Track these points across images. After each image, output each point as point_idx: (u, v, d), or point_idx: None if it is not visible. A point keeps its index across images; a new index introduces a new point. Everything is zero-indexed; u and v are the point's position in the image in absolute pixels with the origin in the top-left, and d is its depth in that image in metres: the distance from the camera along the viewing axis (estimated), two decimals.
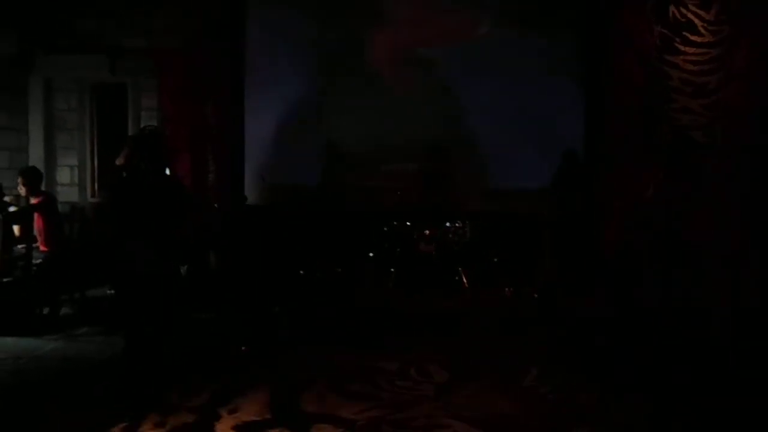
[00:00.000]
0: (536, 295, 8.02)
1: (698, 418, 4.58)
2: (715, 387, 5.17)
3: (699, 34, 7.23)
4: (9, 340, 6.49)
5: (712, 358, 5.79)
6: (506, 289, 8.31)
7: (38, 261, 7.18)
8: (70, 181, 10.02)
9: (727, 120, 7.05)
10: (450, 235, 8.62)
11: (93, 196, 10.08)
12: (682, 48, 7.37)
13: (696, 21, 7.22)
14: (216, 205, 9.22)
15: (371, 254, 8.84)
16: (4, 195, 7.48)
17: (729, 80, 7.05)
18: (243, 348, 6.20)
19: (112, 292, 7.80)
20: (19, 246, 7.18)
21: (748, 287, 6.72)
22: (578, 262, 8.09)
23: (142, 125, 9.08)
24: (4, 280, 6.99)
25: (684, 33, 7.33)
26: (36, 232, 7.28)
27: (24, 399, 5.02)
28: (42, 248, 7.26)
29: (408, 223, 8.69)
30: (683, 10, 7.30)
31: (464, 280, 8.38)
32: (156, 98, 9.82)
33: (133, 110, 9.99)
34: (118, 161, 5.14)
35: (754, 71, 6.92)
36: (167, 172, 5.39)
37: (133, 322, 5.08)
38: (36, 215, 7.26)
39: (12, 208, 7.48)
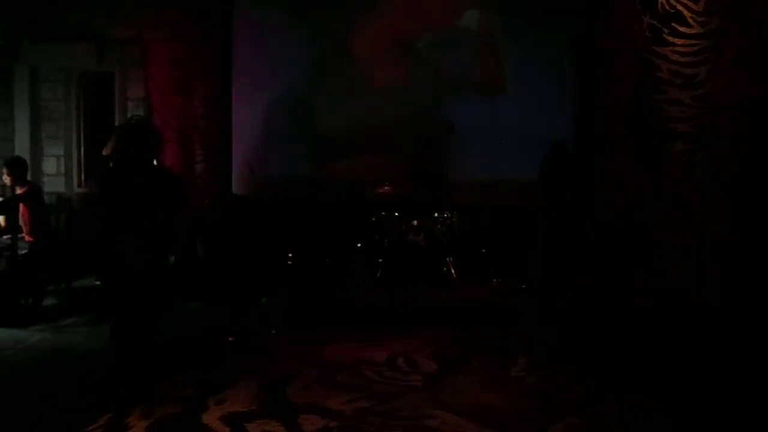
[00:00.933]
0: (524, 286, 8.02)
1: (688, 408, 4.59)
2: (705, 378, 5.18)
3: (688, 25, 7.21)
4: None
5: (701, 350, 5.81)
6: (494, 280, 8.31)
7: (24, 252, 7.13)
8: (57, 171, 9.95)
9: (716, 112, 7.05)
10: (438, 226, 8.62)
11: (80, 186, 10.01)
12: (671, 39, 7.36)
13: (685, 12, 7.21)
14: (206, 201, 9.19)
15: (359, 245, 8.81)
16: None
17: (718, 72, 7.05)
18: (230, 338, 6.18)
19: (99, 283, 7.77)
20: (4, 237, 7.14)
21: (736, 279, 6.74)
22: (567, 254, 8.09)
23: (129, 115, 9.02)
24: None
25: (673, 24, 7.32)
26: (21, 222, 7.23)
27: (8, 390, 4.99)
28: (27, 239, 7.20)
29: (396, 214, 8.67)
30: (672, 1, 7.28)
31: (452, 271, 8.38)
32: (143, 88, 9.76)
33: (120, 100, 9.92)
34: (105, 151, 5.11)
35: (742, 63, 6.92)
36: (155, 162, 5.36)
37: (120, 314, 5.06)
38: (21, 206, 7.20)
39: None
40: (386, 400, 4.74)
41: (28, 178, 7.59)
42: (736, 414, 4.54)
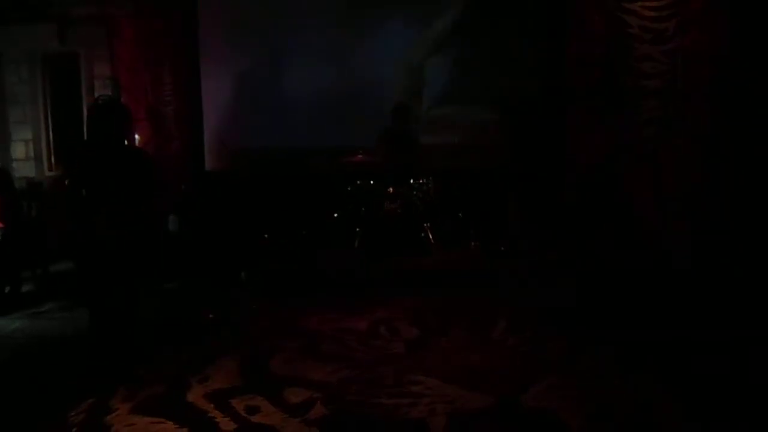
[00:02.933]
0: (503, 248, 8.04)
1: (664, 365, 4.64)
2: (679, 332, 5.24)
3: None
4: None
5: (676, 304, 5.87)
6: (472, 243, 8.32)
7: None
8: (26, 155, 9.81)
9: (687, 66, 7.06)
10: (414, 193, 8.58)
11: (50, 170, 9.89)
12: None
13: None
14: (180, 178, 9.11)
15: (336, 215, 8.78)
16: None
17: (687, 25, 7.05)
18: (210, 315, 6.15)
19: (75, 265, 7.71)
20: None
21: (708, 230, 6.80)
22: (543, 215, 8.11)
23: (96, 95, 8.89)
24: None
25: None
26: None
27: None
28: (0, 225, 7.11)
29: (372, 182, 8.62)
30: None
31: (430, 236, 8.37)
32: (109, 67, 9.61)
33: (86, 80, 9.77)
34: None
35: (710, 15, 6.92)
36: (126, 141, 5.29)
37: (96, 297, 5.02)
38: None
39: None
40: (370, 368, 4.75)
41: None
42: (710, 364, 4.60)
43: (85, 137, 5.06)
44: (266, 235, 8.60)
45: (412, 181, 8.53)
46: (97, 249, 4.93)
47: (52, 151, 9.93)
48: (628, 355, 4.80)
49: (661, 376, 4.43)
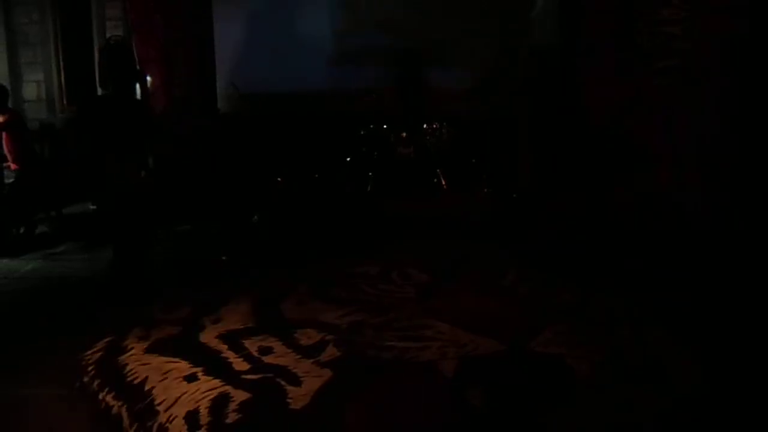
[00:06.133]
0: (515, 196, 8.02)
1: (673, 313, 4.64)
2: (687, 282, 5.23)
3: None
4: None
5: (686, 256, 5.85)
6: (485, 189, 8.30)
7: (11, 181, 7.06)
8: (37, 97, 9.78)
9: (705, 13, 6.92)
10: (428, 137, 8.54)
11: (62, 112, 9.86)
12: None
13: None
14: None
15: (348, 159, 8.75)
16: None
17: None
18: (223, 258, 6.19)
19: (94, 207, 7.75)
20: None
21: (721, 180, 6.74)
22: (554, 161, 8.06)
23: (107, 36, 8.82)
24: None
25: None
26: (6, 151, 7.14)
27: (4, 319, 5.01)
28: (13, 167, 7.13)
29: (385, 127, 8.57)
30: None
31: (443, 182, 8.35)
32: (120, 7, 9.50)
33: (97, 20, 9.67)
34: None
35: None
36: (136, 85, 5.29)
37: (121, 238, 5.07)
38: (4, 134, 7.10)
39: None
40: (381, 312, 4.78)
41: (10, 105, 7.46)
42: (722, 315, 4.60)
43: (97, 78, 5.04)
44: (278, 179, 8.60)
45: (425, 126, 8.48)
46: (116, 191, 4.97)
47: (64, 92, 9.89)
48: (637, 305, 4.81)
49: (670, 324, 4.45)
